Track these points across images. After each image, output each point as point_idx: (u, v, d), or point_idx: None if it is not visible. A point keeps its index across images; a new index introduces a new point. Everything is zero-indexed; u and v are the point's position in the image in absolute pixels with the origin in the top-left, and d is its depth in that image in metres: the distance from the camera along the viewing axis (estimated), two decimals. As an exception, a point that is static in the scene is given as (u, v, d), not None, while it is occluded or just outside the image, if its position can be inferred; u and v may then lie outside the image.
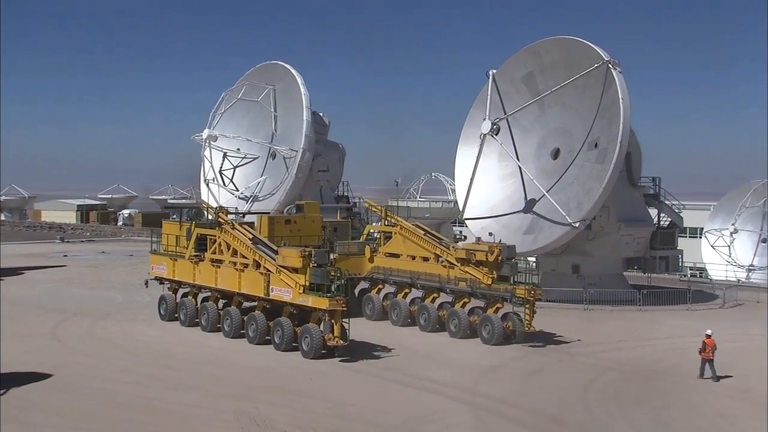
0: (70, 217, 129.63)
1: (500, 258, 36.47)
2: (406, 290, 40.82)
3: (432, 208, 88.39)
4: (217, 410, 24.09)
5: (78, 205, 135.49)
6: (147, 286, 41.88)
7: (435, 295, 39.40)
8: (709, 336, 28.64)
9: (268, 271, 33.93)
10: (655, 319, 42.00)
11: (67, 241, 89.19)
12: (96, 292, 48.92)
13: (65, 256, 71.54)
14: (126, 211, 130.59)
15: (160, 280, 40.73)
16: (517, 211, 49.62)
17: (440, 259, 39.05)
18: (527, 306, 35.33)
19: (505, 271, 36.61)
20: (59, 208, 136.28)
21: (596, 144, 46.52)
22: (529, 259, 61.35)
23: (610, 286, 46.89)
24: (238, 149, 63.46)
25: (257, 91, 62.19)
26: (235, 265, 35.90)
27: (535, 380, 28.69)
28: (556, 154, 49.47)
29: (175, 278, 39.53)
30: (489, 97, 50.34)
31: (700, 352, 28.60)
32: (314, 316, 32.22)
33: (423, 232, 40.93)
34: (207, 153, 63.52)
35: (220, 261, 36.84)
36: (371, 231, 44.84)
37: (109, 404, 24.55)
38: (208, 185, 63.94)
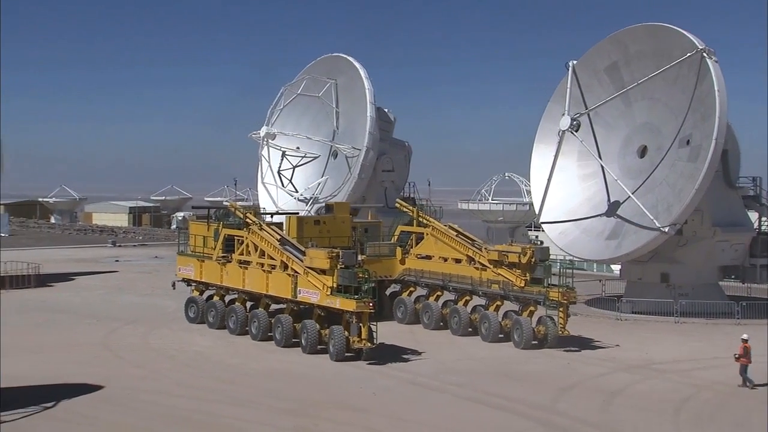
0: (121, 220, 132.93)
1: (533, 260, 37.49)
2: (438, 293, 42.27)
3: (505, 211, 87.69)
4: (276, 426, 24.30)
5: (130, 208, 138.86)
6: (174, 288, 43.37)
7: (467, 297, 40.83)
8: (745, 341, 28.78)
9: (296, 272, 35.34)
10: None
11: (119, 245, 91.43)
12: (149, 299, 49.96)
13: (117, 261, 73.34)
14: (180, 214, 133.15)
15: (188, 282, 42.17)
16: (599, 215, 48.88)
17: (473, 261, 40.26)
18: (561, 309, 36.45)
19: (539, 273, 37.63)
20: (111, 210, 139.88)
21: (688, 141, 45.49)
22: (613, 267, 60.35)
23: (703, 297, 45.77)
24: (298, 148, 64.07)
25: (318, 86, 62.68)
26: (262, 267, 37.32)
27: (618, 399, 28.15)
28: (642, 152, 48.57)
29: (203, 280, 40.98)
30: (569, 90, 49.68)
31: (737, 358, 28.64)
32: (344, 319, 33.23)
33: (455, 233, 42.12)
34: (265, 152, 64.30)
35: (248, 262, 38.21)
36: (403, 232, 45.98)
37: (163, 419, 24.99)
38: (265, 186, 64.72)
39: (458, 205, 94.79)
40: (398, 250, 44.40)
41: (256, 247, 37.97)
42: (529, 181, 55.85)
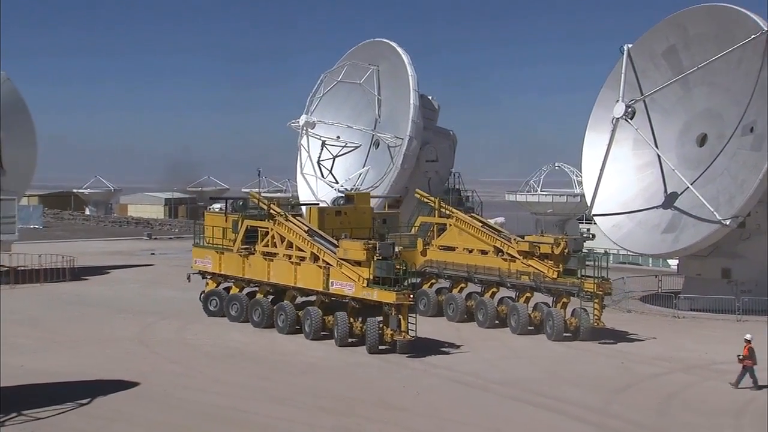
0: (157, 212, 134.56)
1: (567, 251, 38.28)
2: (462, 285, 43.14)
3: (555, 203, 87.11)
4: (315, 426, 24.41)
5: (166, 199, 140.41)
6: (189, 281, 43.97)
7: (494, 289, 41.99)
8: (749, 341, 28.65)
9: (328, 264, 35.94)
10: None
11: (155, 238, 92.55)
12: (184, 293, 50.42)
13: (153, 254, 74.25)
14: (216, 206, 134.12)
15: (203, 274, 42.84)
16: (655, 207, 48.33)
17: (500, 252, 41.18)
18: (596, 300, 37.43)
19: (572, 264, 38.63)
20: (146, 201, 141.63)
21: (752, 128, 44.68)
22: (670, 261, 59.61)
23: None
24: (338, 137, 64.21)
25: (359, 72, 62.70)
26: (290, 258, 37.95)
27: (676, 402, 27.79)
28: (702, 140, 47.84)
29: (222, 272, 41.55)
30: (623, 75, 49.06)
31: (741, 360, 28.34)
32: (384, 311, 33.96)
33: (480, 224, 43.30)
34: (304, 141, 64.54)
35: (273, 254, 38.84)
36: (424, 223, 46.78)
37: (199, 417, 25.22)
38: (305, 177, 64.98)
39: (505, 196, 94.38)
40: (419, 241, 44.93)
41: (282, 239, 38.60)
42: (581, 172, 55.36)
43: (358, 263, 34.82)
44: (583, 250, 39.48)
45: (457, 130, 66.40)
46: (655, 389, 29.32)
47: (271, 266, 39.15)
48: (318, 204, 46.05)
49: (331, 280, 36.03)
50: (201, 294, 43.09)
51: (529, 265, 39.83)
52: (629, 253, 58.72)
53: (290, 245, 38.35)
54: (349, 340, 35.21)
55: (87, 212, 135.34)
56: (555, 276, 38.71)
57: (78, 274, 56.89)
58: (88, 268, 60.55)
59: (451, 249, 43.98)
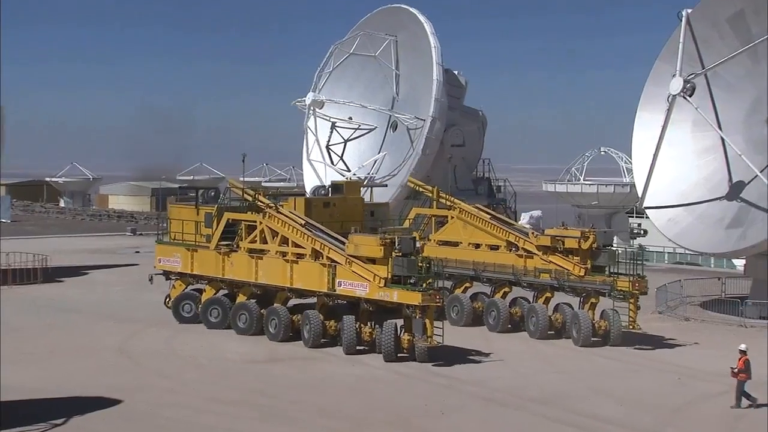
0: (143, 204, 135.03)
1: (595, 245, 39.09)
2: (467, 284, 43.87)
3: (601, 193, 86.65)
4: (324, 451, 24.36)
5: (153, 189, 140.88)
6: (152, 282, 44.20)
7: (506, 289, 42.82)
8: (744, 352, 28.76)
9: (334, 262, 36.24)
10: None
11: (140, 234, 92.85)
12: (174, 297, 50.60)
13: (137, 252, 74.40)
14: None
15: (167, 275, 43.10)
16: (719, 198, 48.07)
17: (514, 247, 42.29)
18: (631, 301, 38.06)
19: (602, 260, 39.36)
20: (130, 192, 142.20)
21: (831, 107, 44.29)
22: (735, 262, 59.26)
23: None
24: (350, 118, 64.25)
25: (375, 44, 62.63)
26: (284, 256, 38.10)
27: (742, 424, 27.57)
28: (773, 121, 47.52)
29: (195, 272, 41.70)
30: (681, 45, 48.70)
31: (736, 374, 28.36)
32: (403, 314, 34.62)
33: (489, 216, 44.24)
34: (311, 123, 64.59)
35: (262, 251, 39.04)
36: (419, 215, 47.82)
37: (191, 439, 25.21)
38: (312, 164, 65.03)
39: (543, 186, 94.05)
40: (415, 235, 45.00)
41: (273, 234, 38.82)
42: (631, 158, 55.05)
43: (372, 260, 35.04)
44: (613, 245, 40.47)
45: (487, 110, 66.43)
46: (716, 410, 29.07)
47: (260, 265, 39.32)
48: (304, 194, 45.93)
49: (338, 280, 36.29)
50: (167, 298, 43.24)
51: (550, 262, 40.60)
52: (687, 251, 58.36)
53: (285, 241, 38.58)
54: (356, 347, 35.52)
55: (62, 204, 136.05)
56: (582, 274, 39.32)
57: (52, 275, 57.07)
58: (64, 268, 60.77)
59: (454, 244, 44.58)
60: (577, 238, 39.69)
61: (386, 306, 35.34)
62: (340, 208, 42.83)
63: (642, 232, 75.78)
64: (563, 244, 40.17)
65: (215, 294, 41.46)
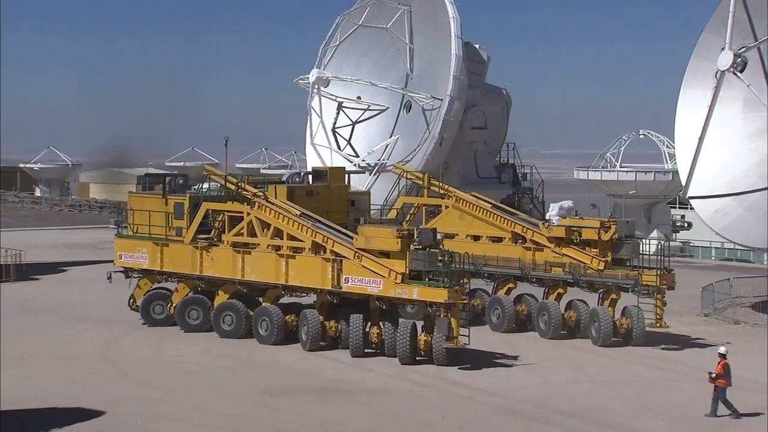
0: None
1: (617, 236, 39.83)
2: (510, 285, 43.93)
3: (639, 182, 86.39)
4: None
5: (138, 177, 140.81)
6: (111, 281, 44.32)
7: (511, 285, 43.49)
8: (724, 356, 28.96)
9: (339, 256, 36.62)
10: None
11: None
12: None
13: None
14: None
15: (127, 273, 43.28)
16: (773, 187, 47.94)
17: (520, 239, 43.09)
18: (658, 296, 39.02)
19: (625, 252, 40.14)
20: (113, 180, 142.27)
21: None
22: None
23: None
24: (359, 97, 64.19)
25: (386, 14, 62.56)
26: (277, 250, 38.37)
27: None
28: (834, 100, 47.38)
29: (166, 269, 41.66)
30: (731, 15, 48.52)
31: (714, 379, 28.62)
32: (425, 312, 35.69)
33: (490, 206, 45.27)
34: (315, 103, 64.59)
35: (250, 245, 39.38)
36: (406, 204, 48.71)
37: (181, 455, 25.42)
38: (315, 148, 65.05)
39: (574, 173, 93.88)
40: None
41: (264, 226, 39.14)
42: (673, 142, 54.97)
43: (386, 254, 35.47)
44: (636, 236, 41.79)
45: (512, 89, 66.21)
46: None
47: (248, 260, 39.45)
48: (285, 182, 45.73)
49: (344, 276, 36.66)
50: (130, 299, 43.05)
51: (564, 255, 41.24)
52: (737, 246, 58.22)
53: (277, 233, 38.91)
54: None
55: (37, 193, 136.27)
56: (602, 267, 40.06)
57: (26, 272, 57.30)
58: (40, 264, 60.95)
59: (449, 237, 44.63)
60: (596, 229, 40.32)
61: (353, 299, 36.79)
62: (324, 197, 42.95)
63: (686, 225, 75.75)
64: (580, 236, 40.86)
65: (188, 294, 41.28)
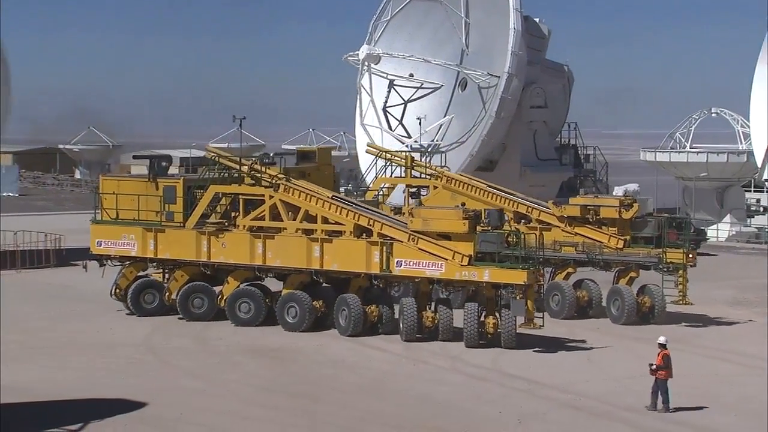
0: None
1: (638, 215, 42.53)
2: (569, 269, 44.58)
3: (711, 163, 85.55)
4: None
5: (182, 159, 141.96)
6: (86, 270, 44.48)
7: (570, 270, 44.12)
8: (664, 345, 29.35)
9: (388, 239, 37.56)
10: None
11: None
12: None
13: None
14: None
15: (102, 261, 43.01)
16: None
17: (524, 219, 44.64)
18: (681, 274, 41.83)
19: (649, 230, 42.33)
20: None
21: None
22: None
23: None
24: (411, 75, 64.16)
25: (440, -13, 62.36)
26: (309, 234, 39.03)
27: None
28: None
29: (161, 256, 41.54)
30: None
31: (655, 371, 28.90)
32: (488, 295, 36.88)
33: (486, 185, 47.09)
34: (365, 81, 64.66)
35: (272, 230, 39.79)
36: (385, 185, 50.16)
37: (225, 449, 25.57)
38: (365, 128, 65.13)
39: (641, 155, 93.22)
40: (386, 209, 46.47)
41: (291, 210, 39.59)
42: (748, 121, 54.42)
43: (446, 236, 36.56)
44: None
45: (573, 65, 65.91)
46: None
47: (270, 245, 39.68)
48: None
49: (395, 260, 37.29)
50: (115, 288, 42.37)
51: (576, 234, 43.17)
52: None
53: (311, 218, 39.44)
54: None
55: (77, 175, 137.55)
56: (621, 246, 42.06)
57: (66, 257, 57.76)
58: (80, 250, 61.29)
59: None
60: (616, 207, 42.37)
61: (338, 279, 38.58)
62: (313, 179, 43.44)
63: (761, 209, 74.80)
64: (596, 215, 42.73)
65: (188, 282, 41.16)
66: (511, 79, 57.62)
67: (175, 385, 31.60)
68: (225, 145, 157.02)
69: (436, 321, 37.08)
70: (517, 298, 35.76)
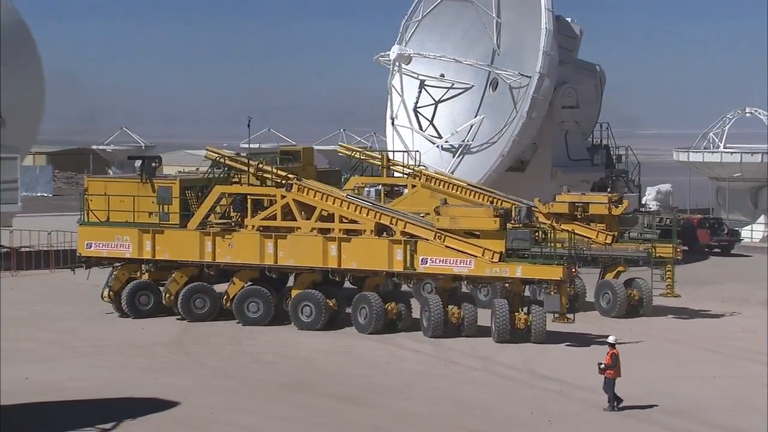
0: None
1: (626, 211, 44.89)
2: (620, 268, 45.28)
3: (745, 164, 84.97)
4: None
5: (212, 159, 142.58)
6: (74, 272, 44.24)
7: (621, 268, 44.76)
8: (613, 345, 29.56)
9: (412, 237, 38.24)
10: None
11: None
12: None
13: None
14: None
15: (86, 263, 42.62)
16: None
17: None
18: (669, 268, 43.58)
19: (639, 226, 45.65)
20: (187, 162, 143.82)
21: None
22: None
23: None
24: (442, 75, 64.08)
25: (471, -14, 62.31)
26: (326, 233, 39.40)
27: None
28: None
29: (160, 257, 41.28)
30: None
31: (603, 370, 29.02)
32: (516, 290, 38.16)
33: (466, 184, 48.35)
34: (396, 82, 64.65)
35: (283, 229, 40.04)
36: (358, 185, 50.56)
37: (257, 449, 25.74)
38: (396, 129, 65.16)
39: (673, 155, 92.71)
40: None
41: (303, 209, 39.94)
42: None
43: (474, 234, 37.36)
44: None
45: (606, 65, 65.61)
46: None
47: (281, 245, 39.87)
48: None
49: (420, 257, 37.93)
50: (107, 290, 42.05)
51: (563, 230, 43.67)
52: None
53: (326, 217, 39.83)
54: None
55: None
56: (609, 241, 43.57)
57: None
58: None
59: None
60: (605, 204, 44.09)
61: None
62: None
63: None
64: (584, 211, 44.03)
65: (187, 283, 41.10)
66: (542, 79, 57.38)
67: (207, 385, 31.79)
68: (257, 145, 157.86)
69: (460, 317, 37.79)
70: (551, 293, 36.73)
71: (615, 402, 29.08)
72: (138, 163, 43.76)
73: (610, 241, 43.85)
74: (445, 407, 29.65)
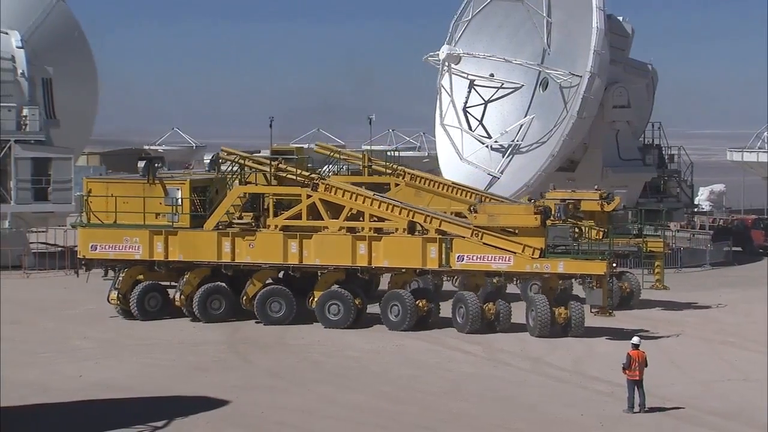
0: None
1: (617, 208, 45.96)
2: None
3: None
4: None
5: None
6: (78, 275, 43.56)
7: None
8: (636, 346, 29.16)
9: (446, 235, 38.99)
10: None
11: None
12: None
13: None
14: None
15: (85, 264, 42.01)
16: None
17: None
18: (657, 263, 46.02)
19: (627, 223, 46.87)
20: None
21: None
22: None
23: None
24: (492, 75, 63.94)
25: (522, -14, 62.13)
26: (355, 232, 40.11)
27: None
28: None
29: (173, 258, 40.81)
30: None
31: (624, 370, 29.01)
32: (553, 285, 39.76)
33: (451, 182, 49.16)
34: (445, 82, 64.60)
35: (309, 229, 40.26)
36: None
37: (307, 448, 25.79)
38: (446, 129, 65.12)
39: (727, 155, 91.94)
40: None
41: (331, 209, 40.34)
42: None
43: (512, 231, 38.30)
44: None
45: (658, 64, 65.17)
46: None
47: (307, 244, 40.03)
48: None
49: (456, 254, 38.69)
50: (116, 293, 41.64)
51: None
52: None
53: (355, 215, 40.37)
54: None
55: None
56: (600, 237, 43.45)
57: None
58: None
59: None
60: (597, 201, 45.23)
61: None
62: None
63: None
64: (575, 209, 44.30)
65: (200, 283, 40.94)
66: (593, 79, 57.07)
67: (257, 384, 31.96)
68: (305, 146, 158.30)
69: (567, 317, 38.22)
70: (594, 288, 37.78)
71: (634, 404, 28.75)
72: (142, 164, 43.30)
73: (600, 237, 43.85)
74: (495, 408, 29.58)
